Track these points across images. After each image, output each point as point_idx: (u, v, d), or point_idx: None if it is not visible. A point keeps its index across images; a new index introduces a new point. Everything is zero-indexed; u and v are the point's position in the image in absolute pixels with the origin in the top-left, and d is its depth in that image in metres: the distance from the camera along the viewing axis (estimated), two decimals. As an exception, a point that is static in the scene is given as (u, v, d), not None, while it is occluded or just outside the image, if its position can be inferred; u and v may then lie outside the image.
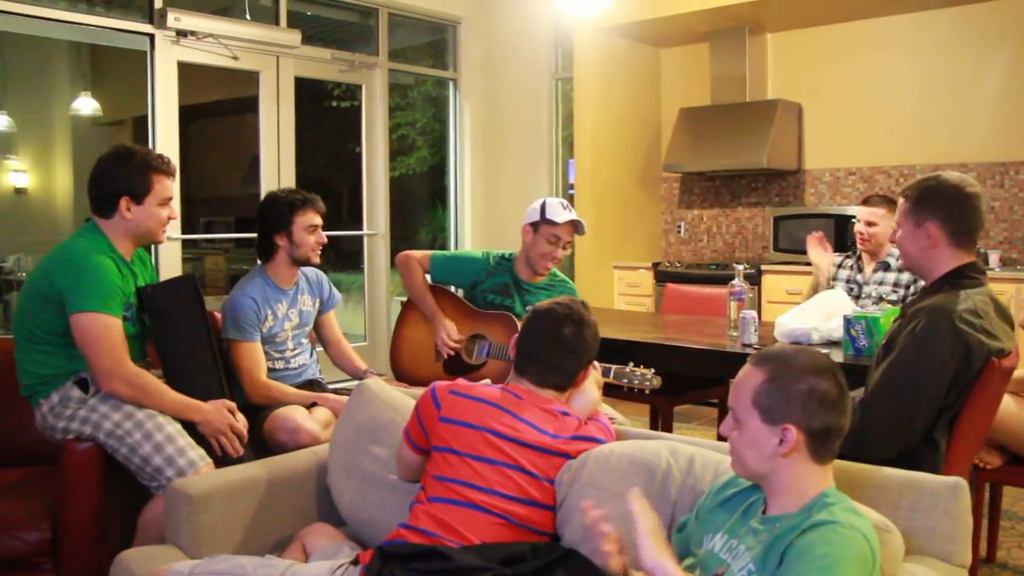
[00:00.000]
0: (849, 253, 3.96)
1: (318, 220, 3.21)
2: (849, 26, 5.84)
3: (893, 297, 3.57)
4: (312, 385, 3.27)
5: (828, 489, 1.54)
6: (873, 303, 3.56)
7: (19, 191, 6.41)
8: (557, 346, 2.08)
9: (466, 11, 7.18)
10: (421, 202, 7.87)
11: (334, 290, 3.45)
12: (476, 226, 7.39)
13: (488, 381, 2.26)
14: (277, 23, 6.03)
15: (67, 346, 2.55)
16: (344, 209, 6.86)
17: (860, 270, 3.81)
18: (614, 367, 2.78)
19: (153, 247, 2.97)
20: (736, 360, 2.90)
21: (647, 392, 2.84)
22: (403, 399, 2.44)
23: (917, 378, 2.14)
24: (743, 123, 5.90)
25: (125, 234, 2.66)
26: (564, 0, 4.83)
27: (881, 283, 3.68)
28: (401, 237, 7.03)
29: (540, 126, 7.09)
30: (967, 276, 2.26)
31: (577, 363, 2.12)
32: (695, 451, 1.96)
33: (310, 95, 6.62)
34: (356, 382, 2.89)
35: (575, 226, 3.29)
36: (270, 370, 3.14)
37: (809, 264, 4.09)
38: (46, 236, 6.37)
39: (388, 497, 2.24)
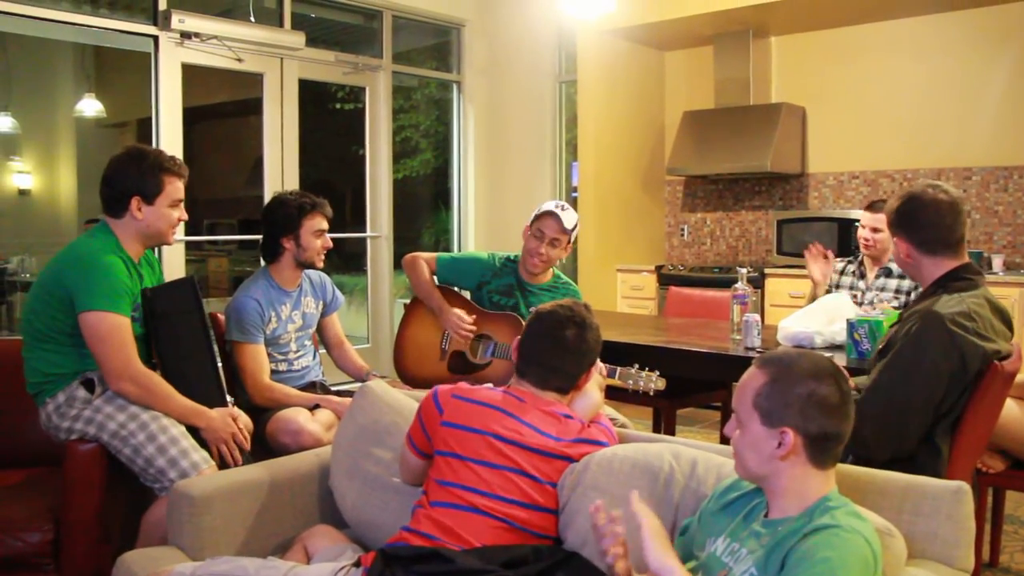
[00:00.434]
0: (850, 259, 3.93)
1: (325, 225, 3.22)
2: (853, 30, 5.83)
3: (895, 304, 3.57)
4: (315, 387, 3.28)
5: (830, 493, 1.54)
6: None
7: (23, 192, 6.43)
8: (559, 348, 2.08)
9: (470, 14, 7.18)
10: (424, 204, 7.88)
11: (337, 292, 3.45)
12: (479, 229, 7.39)
13: (490, 385, 2.26)
14: (281, 25, 6.04)
15: (75, 345, 2.56)
16: (347, 211, 6.87)
17: (862, 276, 3.80)
18: (619, 368, 2.79)
19: (157, 249, 2.97)
20: (739, 363, 2.90)
21: (651, 394, 2.84)
22: (406, 401, 2.44)
23: (909, 381, 2.15)
24: (747, 126, 5.90)
25: (135, 234, 2.68)
26: (568, 3, 4.83)
27: (883, 289, 3.68)
28: (404, 239, 7.04)
29: (544, 129, 7.10)
30: (961, 278, 2.29)
31: (579, 365, 2.12)
32: (698, 454, 1.96)
33: (314, 97, 6.64)
34: (359, 384, 2.89)
35: (558, 221, 3.27)
36: (273, 372, 3.15)
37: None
38: (50, 237, 6.39)
39: (390, 499, 2.24)
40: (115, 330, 2.51)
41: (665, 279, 5.99)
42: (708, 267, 6.10)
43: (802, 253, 4.07)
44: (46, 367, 2.60)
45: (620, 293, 6.32)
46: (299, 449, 2.76)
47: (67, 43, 6.00)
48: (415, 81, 7.53)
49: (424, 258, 3.50)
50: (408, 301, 3.60)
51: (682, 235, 6.77)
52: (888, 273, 3.69)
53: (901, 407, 2.16)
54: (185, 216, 2.79)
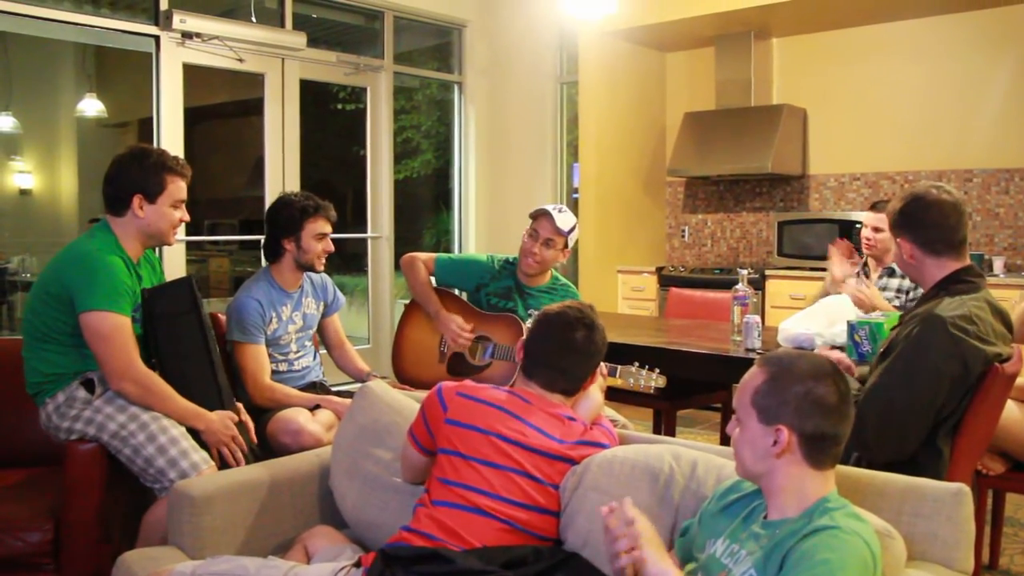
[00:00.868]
0: (854, 260, 3.94)
1: (328, 228, 3.21)
2: (855, 31, 5.84)
3: (896, 303, 3.57)
4: (315, 387, 3.28)
5: (829, 494, 1.54)
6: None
7: (24, 192, 6.42)
8: (568, 350, 2.08)
9: (471, 15, 7.19)
10: (425, 205, 7.88)
11: (338, 293, 3.45)
12: (480, 230, 7.40)
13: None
14: (283, 25, 6.04)
15: (75, 345, 2.56)
16: (348, 212, 6.87)
17: (866, 276, 3.80)
18: (620, 367, 2.79)
19: (158, 249, 2.97)
20: (739, 365, 2.91)
21: (652, 391, 2.84)
22: (406, 402, 2.44)
23: (911, 384, 2.15)
24: (748, 128, 5.90)
25: (136, 233, 2.68)
26: (569, 4, 4.84)
27: (884, 289, 3.68)
28: (405, 240, 7.04)
29: (545, 130, 7.10)
30: (962, 281, 2.28)
31: (587, 367, 2.12)
32: (698, 455, 1.96)
33: (315, 98, 6.64)
34: (359, 385, 2.89)
35: (552, 221, 3.27)
36: (274, 372, 3.15)
37: (813, 269, 4.07)
38: (51, 237, 6.39)
39: (390, 500, 2.24)
40: (117, 330, 2.51)
41: (666, 280, 5.99)
42: (709, 268, 6.10)
43: (803, 255, 4.07)
44: (46, 367, 2.60)
45: (621, 294, 6.32)
46: (299, 449, 2.76)
47: (68, 43, 6.00)
48: (416, 82, 7.53)
49: (422, 259, 3.49)
50: (407, 302, 3.60)
51: (683, 236, 6.77)
52: (891, 273, 3.69)
53: (902, 410, 2.15)
54: (187, 217, 2.78)
